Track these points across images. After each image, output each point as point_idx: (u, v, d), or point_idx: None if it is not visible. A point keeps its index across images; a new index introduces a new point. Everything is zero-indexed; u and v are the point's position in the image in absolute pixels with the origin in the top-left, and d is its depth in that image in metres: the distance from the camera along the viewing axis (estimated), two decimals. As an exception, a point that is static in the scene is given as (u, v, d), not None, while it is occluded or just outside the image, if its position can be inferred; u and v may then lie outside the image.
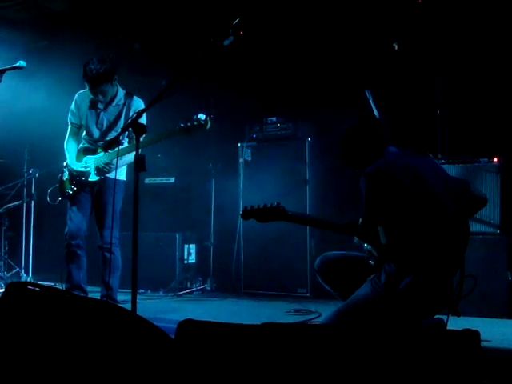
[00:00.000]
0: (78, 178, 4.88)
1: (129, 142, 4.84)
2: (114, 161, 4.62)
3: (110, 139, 4.69)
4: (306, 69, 6.46)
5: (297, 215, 3.42)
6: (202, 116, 4.25)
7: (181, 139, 4.56)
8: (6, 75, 4.44)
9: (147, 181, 7.00)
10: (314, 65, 6.41)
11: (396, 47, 5.46)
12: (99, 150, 4.81)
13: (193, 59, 3.22)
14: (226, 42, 3.22)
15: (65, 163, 5.03)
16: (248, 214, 3.36)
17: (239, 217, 6.25)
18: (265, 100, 6.63)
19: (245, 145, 6.38)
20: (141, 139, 3.49)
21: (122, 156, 4.65)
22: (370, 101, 4.76)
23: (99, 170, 4.77)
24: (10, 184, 6.65)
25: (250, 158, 6.36)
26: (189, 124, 4.28)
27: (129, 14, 7.20)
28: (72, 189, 4.89)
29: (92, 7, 7.22)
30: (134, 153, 3.36)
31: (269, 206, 3.31)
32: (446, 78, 5.51)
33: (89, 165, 4.85)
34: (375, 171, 3.03)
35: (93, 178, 4.84)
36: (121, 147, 4.62)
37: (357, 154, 3.28)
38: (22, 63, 4.42)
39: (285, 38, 6.47)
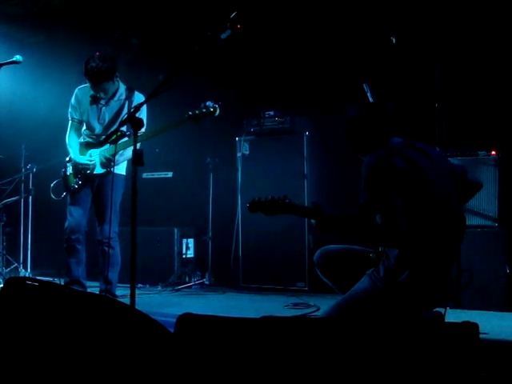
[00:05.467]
0: (83, 171, 4.88)
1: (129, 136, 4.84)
2: (119, 152, 4.63)
3: (110, 132, 4.70)
4: (304, 62, 6.45)
5: (304, 209, 3.42)
6: (209, 103, 4.27)
7: (179, 128, 4.55)
8: (2, 70, 4.43)
9: (145, 175, 7.00)
10: (311, 58, 6.40)
11: (394, 40, 5.45)
12: (101, 143, 4.81)
13: (190, 53, 3.21)
14: (224, 36, 3.21)
15: (68, 158, 5.03)
16: (255, 206, 3.33)
17: (237, 211, 6.32)
18: (262, 94, 6.62)
19: (243, 139, 6.37)
20: (142, 130, 3.48)
21: (125, 148, 4.66)
22: (368, 94, 4.76)
23: (104, 163, 4.77)
24: (8, 179, 6.63)
25: (247, 152, 6.36)
26: (197, 112, 4.29)
27: (126, 8, 7.17)
28: (77, 182, 4.90)
29: (89, 1, 7.19)
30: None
31: (276, 198, 3.29)
32: (445, 72, 5.50)
33: (94, 158, 4.86)
34: (375, 163, 3.02)
35: (98, 170, 4.85)
36: (124, 140, 4.63)
37: (361, 140, 3.26)
38: (18, 58, 4.41)
39: (283, 31, 6.45)
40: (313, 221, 3.22)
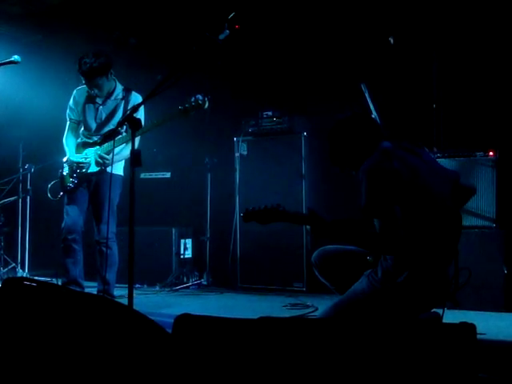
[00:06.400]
0: (78, 170, 4.88)
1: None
2: (115, 151, 4.62)
3: (107, 132, 4.71)
4: (302, 63, 6.45)
5: (298, 216, 3.39)
6: (199, 96, 4.29)
7: (177, 128, 4.57)
8: (0, 70, 4.42)
9: (143, 176, 6.99)
10: (309, 59, 6.40)
11: (392, 41, 5.46)
12: (98, 143, 4.81)
13: (188, 53, 3.22)
14: (222, 36, 3.21)
15: (64, 159, 5.02)
16: (249, 216, 3.27)
17: (235, 211, 6.32)
18: (260, 94, 6.62)
19: (241, 139, 6.36)
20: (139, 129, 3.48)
21: (120, 146, 4.67)
22: (366, 95, 4.77)
23: (99, 161, 4.77)
24: (6, 179, 6.63)
25: (245, 153, 6.35)
26: (187, 105, 4.31)
27: (124, 8, 7.17)
28: (73, 182, 4.89)
29: (87, 1, 7.19)
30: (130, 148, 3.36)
31: (269, 207, 3.24)
32: (442, 72, 5.52)
33: (89, 156, 4.86)
34: (374, 166, 3.01)
35: (93, 168, 4.84)
36: (119, 137, 4.63)
37: (346, 153, 3.25)
38: (16, 58, 4.40)
39: (281, 31, 6.45)
40: (308, 226, 3.20)
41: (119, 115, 4.85)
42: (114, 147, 4.58)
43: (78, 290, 4.68)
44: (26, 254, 6.76)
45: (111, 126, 4.86)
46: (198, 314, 2.03)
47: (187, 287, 6.41)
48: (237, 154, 6.38)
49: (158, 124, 4.53)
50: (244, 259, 6.28)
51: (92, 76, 4.75)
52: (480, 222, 4.90)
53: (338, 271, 3.38)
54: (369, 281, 3.07)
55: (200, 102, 4.30)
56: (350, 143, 3.22)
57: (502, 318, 4.49)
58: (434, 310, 3.18)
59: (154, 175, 7.06)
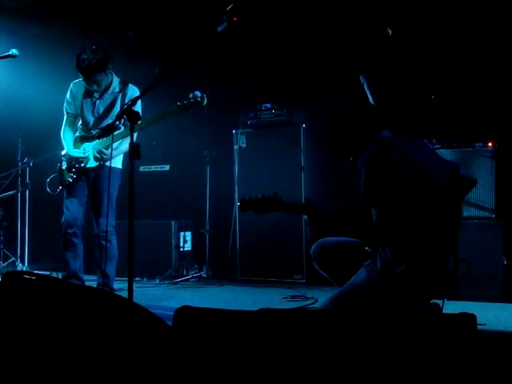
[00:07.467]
0: (76, 165, 4.87)
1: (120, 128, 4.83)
2: (114, 146, 4.61)
3: (105, 126, 4.69)
4: (301, 54, 6.44)
5: (295, 205, 3.39)
6: (197, 93, 4.27)
7: (176, 121, 4.56)
8: (-2, 63, 4.42)
9: (142, 169, 7.00)
10: (308, 50, 6.39)
11: (390, 32, 5.44)
12: (96, 136, 4.80)
13: (186, 46, 3.21)
14: (220, 29, 3.20)
15: (63, 152, 5.02)
16: (246, 205, 3.28)
17: (235, 203, 6.33)
18: (259, 86, 6.61)
19: (239, 131, 6.36)
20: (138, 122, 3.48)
21: (118, 140, 4.66)
22: (365, 86, 4.76)
23: (97, 156, 4.76)
24: (5, 173, 6.62)
25: (244, 145, 6.35)
26: (185, 102, 4.29)
27: (122, 1, 7.15)
28: (72, 176, 4.89)
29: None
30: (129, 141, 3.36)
31: (266, 196, 3.24)
32: (441, 63, 5.50)
33: (87, 151, 4.85)
34: (373, 157, 3.01)
35: (92, 163, 4.83)
36: (117, 132, 4.62)
37: (345, 139, 3.24)
38: (14, 52, 4.39)
39: (279, 23, 6.44)
40: (305, 216, 3.19)
41: (117, 108, 4.84)
42: (114, 141, 4.58)
43: (78, 283, 4.69)
44: (25, 247, 6.76)
45: (109, 119, 4.86)
46: (197, 306, 2.04)
47: (187, 280, 6.42)
48: (236, 147, 6.38)
49: (156, 120, 4.51)
50: (244, 251, 6.29)
51: (91, 73, 4.74)
52: (479, 213, 4.91)
53: (337, 263, 3.38)
54: (368, 272, 3.07)
55: (198, 98, 4.28)
56: (349, 129, 3.21)
57: (501, 309, 4.50)
58: (433, 301, 3.18)
59: (153, 168, 7.06)
